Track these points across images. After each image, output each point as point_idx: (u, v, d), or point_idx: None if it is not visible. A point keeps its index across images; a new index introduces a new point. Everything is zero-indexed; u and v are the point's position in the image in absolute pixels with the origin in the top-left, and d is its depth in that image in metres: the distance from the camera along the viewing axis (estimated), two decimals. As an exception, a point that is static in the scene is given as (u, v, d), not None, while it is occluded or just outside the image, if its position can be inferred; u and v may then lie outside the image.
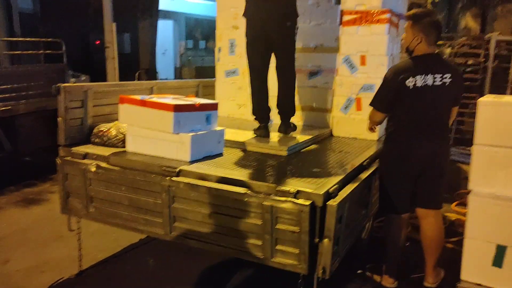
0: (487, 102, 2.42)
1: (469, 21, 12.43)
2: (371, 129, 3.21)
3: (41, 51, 6.76)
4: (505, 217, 2.36)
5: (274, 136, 3.46)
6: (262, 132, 3.32)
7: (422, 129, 2.85)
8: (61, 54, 6.36)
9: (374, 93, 3.54)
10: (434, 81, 2.76)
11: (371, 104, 3.01)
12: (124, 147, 2.90)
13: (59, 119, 2.94)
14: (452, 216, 4.18)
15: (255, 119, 3.43)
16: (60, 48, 6.35)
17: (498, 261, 2.41)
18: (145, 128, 2.76)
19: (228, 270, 3.26)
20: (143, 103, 2.72)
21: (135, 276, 3.16)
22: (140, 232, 2.74)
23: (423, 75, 2.75)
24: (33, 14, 10.94)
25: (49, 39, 6.65)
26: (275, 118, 3.54)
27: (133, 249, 3.57)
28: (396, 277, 3.08)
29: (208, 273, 3.26)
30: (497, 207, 2.38)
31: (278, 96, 3.45)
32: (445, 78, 2.76)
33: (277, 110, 3.49)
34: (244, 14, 3.33)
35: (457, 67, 3.03)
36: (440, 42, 9.86)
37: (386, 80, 2.89)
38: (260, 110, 3.41)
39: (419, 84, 2.75)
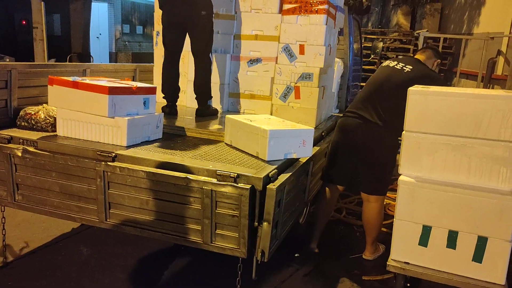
0: (416, 92, 2.56)
1: (400, 18, 13.10)
2: None
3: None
4: (431, 199, 2.52)
5: (214, 122, 3.46)
6: (170, 110, 3.59)
7: (366, 107, 3.14)
8: (-18, 32, 5.85)
9: (312, 82, 3.68)
10: (395, 66, 3.16)
11: None
12: (54, 131, 2.74)
13: (-20, 100, 2.71)
14: (386, 201, 4.41)
15: (164, 97, 3.64)
16: (-19, 26, 5.84)
17: (424, 240, 2.58)
18: (78, 111, 2.62)
19: (167, 256, 3.21)
20: (75, 85, 2.58)
21: (68, 266, 3.02)
22: (73, 220, 2.60)
23: (391, 61, 3.23)
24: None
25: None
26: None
27: (65, 239, 3.40)
28: (316, 245, 3.41)
29: (146, 260, 3.19)
30: (423, 190, 2.53)
31: (194, 81, 3.70)
32: (406, 67, 3.11)
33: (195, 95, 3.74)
34: (159, 2, 3.58)
35: (426, 68, 3.19)
36: (374, 37, 10.29)
37: None
38: (169, 89, 3.66)
39: (384, 64, 3.26)
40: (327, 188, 3.39)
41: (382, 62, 3.42)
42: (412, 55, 3.48)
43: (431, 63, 3.27)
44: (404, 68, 3.10)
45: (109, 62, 13.84)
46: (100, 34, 13.92)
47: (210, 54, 3.65)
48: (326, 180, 3.40)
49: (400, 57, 3.45)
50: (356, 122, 3.16)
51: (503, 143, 2.35)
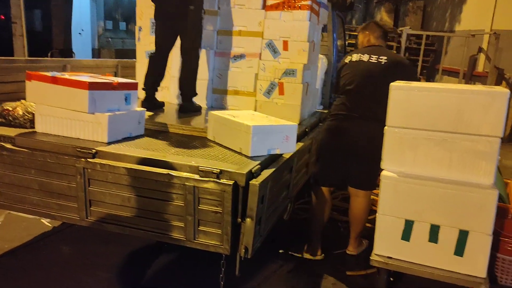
0: (398, 87, 2.57)
1: (383, 15, 13.20)
2: None
3: None
4: (413, 194, 2.55)
5: (197, 118, 3.44)
6: (148, 104, 3.46)
7: (353, 106, 3.12)
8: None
9: (296, 78, 3.68)
10: (369, 59, 3.12)
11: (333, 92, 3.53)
12: (33, 127, 2.68)
13: (-45, 96, 2.64)
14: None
15: (143, 88, 3.55)
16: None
17: (406, 235, 2.60)
18: (57, 107, 2.57)
19: (150, 254, 3.18)
20: (54, 80, 2.52)
21: (49, 266, 2.96)
22: (53, 218, 2.55)
23: (360, 54, 3.17)
24: None
25: None
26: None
27: (46, 238, 3.34)
28: (321, 251, 3.29)
29: (129, 258, 3.15)
30: (405, 185, 2.55)
31: (179, 77, 3.64)
32: (381, 59, 3.09)
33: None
34: None
35: (397, 54, 3.26)
36: (354, 33, 10.34)
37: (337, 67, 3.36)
38: (151, 83, 3.57)
39: (354, 59, 3.18)
40: (320, 192, 3.31)
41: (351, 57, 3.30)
42: (375, 43, 3.35)
43: (385, 46, 3.39)
44: (379, 60, 3.10)
45: (92, 58, 13.63)
46: (83, 30, 13.68)
47: (199, 50, 3.60)
48: (319, 185, 3.32)
49: (365, 48, 3.30)
50: (348, 122, 3.15)
51: (483, 138, 2.38)
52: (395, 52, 3.28)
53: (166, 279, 2.92)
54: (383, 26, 3.39)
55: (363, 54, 3.19)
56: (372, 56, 3.13)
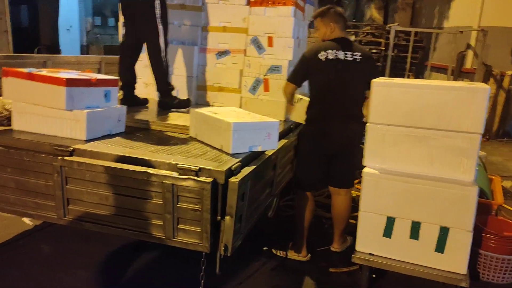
0: (379, 83, 2.56)
1: (373, 12, 13.21)
2: (289, 103, 3.37)
3: None
4: (394, 191, 2.54)
5: (180, 115, 3.40)
6: (125, 102, 3.37)
7: (334, 107, 3.02)
8: None
9: (281, 74, 3.63)
10: (345, 57, 2.99)
11: (287, 79, 3.25)
12: (10, 125, 2.63)
13: None
14: (353, 193, 4.43)
15: (121, 88, 3.51)
16: None
17: (388, 232, 2.60)
18: (34, 104, 2.52)
19: (131, 253, 3.14)
20: (30, 77, 2.48)
21: (28, 265, 2.91)
22: (31, 216, 2.53)
23: (335, 50, 3.00)
24: None
25: None
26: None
27: (26, 237, 3.29)
28: (307, 251, 3.24)
29: (110, 257, 3.11)
30: (387, 182, 2.55)
31: (153, 74, 3.58)
32: (356, 55, 2.99)
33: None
34: None
35: (365, 49, 3.22)
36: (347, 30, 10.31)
37: (302, 56, 3.14)
38: (124, 81, 3.56)
39: (330, 57, 2.99)
40: (305, 196, 3.23)
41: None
42: (340, 36, 3.12)
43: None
44: (354, 57, 2.98)
45: (80, 55, 13.49)
46: (71, 26, 13.53)
47: (159, 43, 3.45)
48: (304, 190, 3.23)
49: (333, 42, 3.04)
50: (332, 124, 3.04)
51: (464, 134, 2.38)
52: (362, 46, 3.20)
53: (147, 277, 2.88)
54: (343, 13, 3.18)
55: (337, 51, 2.99)
56: (346, 52, 2.98)
